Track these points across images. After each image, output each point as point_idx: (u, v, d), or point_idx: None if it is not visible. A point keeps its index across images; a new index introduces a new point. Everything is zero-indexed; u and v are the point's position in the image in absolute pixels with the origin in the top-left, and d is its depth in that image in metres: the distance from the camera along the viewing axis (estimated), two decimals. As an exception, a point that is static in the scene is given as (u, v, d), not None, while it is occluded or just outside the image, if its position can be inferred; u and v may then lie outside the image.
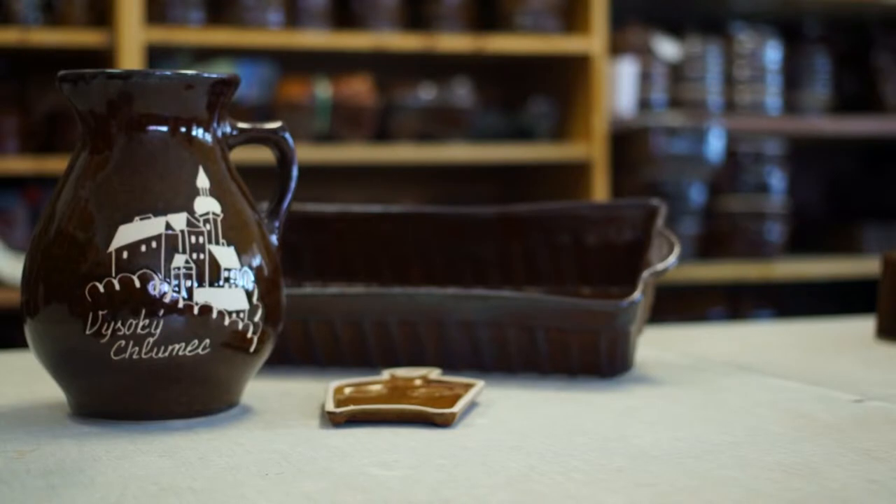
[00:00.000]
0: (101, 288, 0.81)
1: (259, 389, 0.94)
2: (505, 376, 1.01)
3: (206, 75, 0.85)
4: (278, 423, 0.84)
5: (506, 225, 1.12)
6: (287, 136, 0.91)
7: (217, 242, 0.83)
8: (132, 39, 2.53)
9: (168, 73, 0.84)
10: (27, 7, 2.57)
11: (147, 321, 0.80)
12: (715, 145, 3.00)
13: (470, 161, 2.91)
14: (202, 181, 0.84)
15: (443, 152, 2.84)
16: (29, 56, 2.69)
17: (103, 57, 2.62)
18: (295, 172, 0.91)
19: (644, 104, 3.08)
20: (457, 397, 0.86)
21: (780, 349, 1.21)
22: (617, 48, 3.05)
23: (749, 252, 3.10)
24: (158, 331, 0.81)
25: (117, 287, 0.81)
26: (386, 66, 2.98)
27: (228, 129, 0.88)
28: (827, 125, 3.29)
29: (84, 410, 0.85)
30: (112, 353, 0.81)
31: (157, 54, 2.69)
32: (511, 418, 0.86)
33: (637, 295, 0.97)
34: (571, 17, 2.96)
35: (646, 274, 0.98)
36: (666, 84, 3.12)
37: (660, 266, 0.99)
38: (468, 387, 0.90)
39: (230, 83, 0.87)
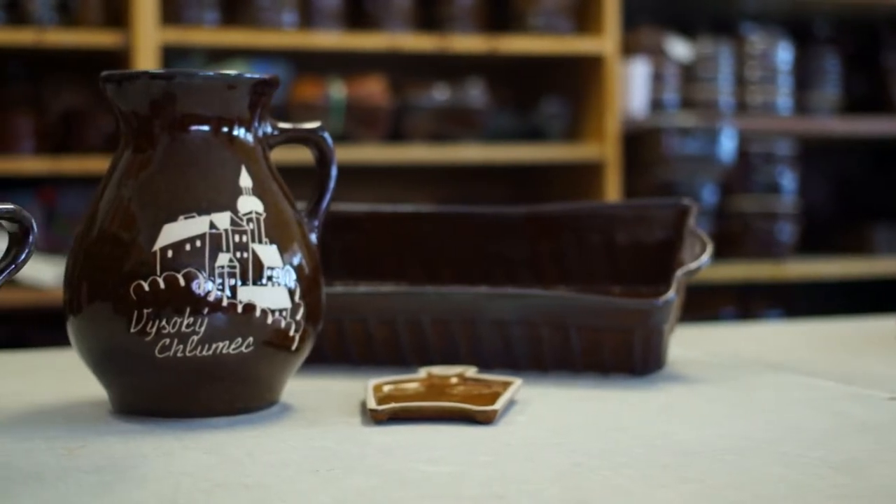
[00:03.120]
0: (145, 286, 0.81)
1: (296, 388, 0.95)
2: (538, 374, 1.01)
3: (248, 76, 0.86)
4: (320, 421, 0.85)
5: (536, 224, 1.13)
6: (326, 135, 0.92)
7: (260, 241, 0.83)
8: (148, 40, 2.54)
9: (211, 73, 0.85)
10: (42, 7, 2.58)
11: (191, 319, 0.81)
12: (727, 146, 3.01)
13: (483, 161, 2.92)
14: (245, 180, 0.85)
15: (456, 153, 2.85)
16: (44, 56, 2.70)
17: (118, 58, 2.63)
18: (334, 172, 0.92)
19: (656, 104, 3.09)
20: (496, 395, 0.87)
21: (807, 348, 1.21)
22: (629, 49, 3.06)
23: (760, 252, 3.11)
24: (203, 329, 0.81)
25: (162, 286, 0.81)
26: (400, 67, 2.99)
27: (269, 129, 0.89)
28: (837, 126, 3.30)
29: (126, 408, 0.86)
30: (156, 352, 0.81)
31: (170, 55, 2.69)
32: (550, 416, 0.86)
33: (671, 293, 0.98)
34: (584, 17, 2.97)
35: (679, 273, 0.99)
36: (678, 84, 3.12)
37: (693, 265, 1.00)
38: (506, 385, 0.90)
39: (271, 83, 0.87)
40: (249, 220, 0.84)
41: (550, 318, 1.00)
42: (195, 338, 0.81)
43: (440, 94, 2.89)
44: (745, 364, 1.09)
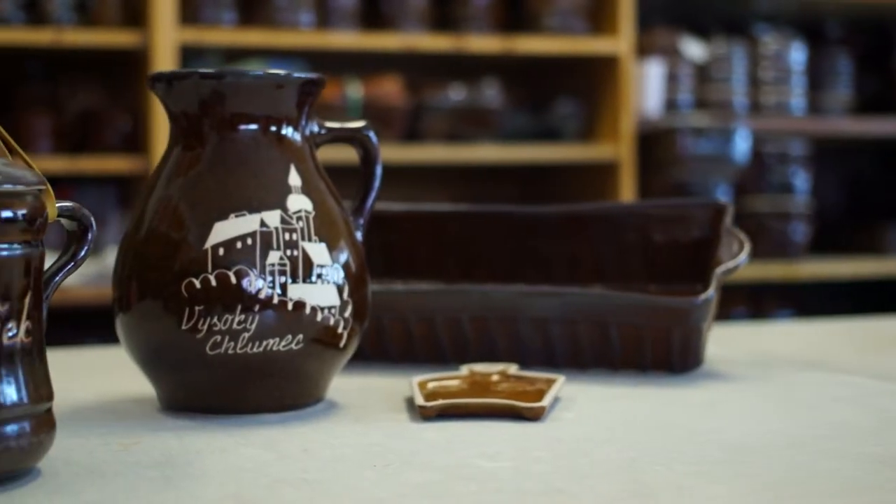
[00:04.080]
0: (197, 284, 0.82)
1: (339, 385, 0.95)
2: (577, 372, 1.02)
3: (296, 75, 0.87)
4: (368, 417, 0.85)
5: (573, 223, 1.13)
6: (371, 134, 0.92)
7: (309, 239, 0.84)
8: (166, 40, 2.55)
9: (260, 72, 0.86)
10: (61, 7, 2.59)
11: (243, 317, 0.82)
12: (741, 146, 3.02)
13: (498, 161, 2.93)
14: (294, 179, 0.86)
15: (472, 153, 2.86)
16: (61, 56, 2.71)
17: (137, 57, 2.64)
18: (379, 171, 0.93)
19: (670, 105, 3.09)
20: (541, 392, 0.88)
21: (839, 346, 1.22)
22: (643, 49, 3.06)
23: (774, 252, 3.12)
24: (254, 326, 0.82)
25: (213, 283, 0.82)
26: (416, 67, 3.00)
27: (316, 128, 0.90)
28: (849, 126, 3.30)
29: (175, 405, 0.87)
30: (207, 349, 0.82)
31: (186, 54, 2.70)
32: (596, 412, 0.87)
33: (711, 292, 0.98)
34: (598, 18, 2.97)
35: (719, 271, 1.00)
36: (692, 85, 3.13)
37: (731, 263, 1.01)
38: (549, 382, 0.91)
39: (319, 83, 0.88)
40: (299, 218, 0.84)
41: (590, 316, 1.00)
42: (246, 335, 0.82)
43: (456, 94, 2.90)
44: (779, 362, 1.10)
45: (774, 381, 1.00)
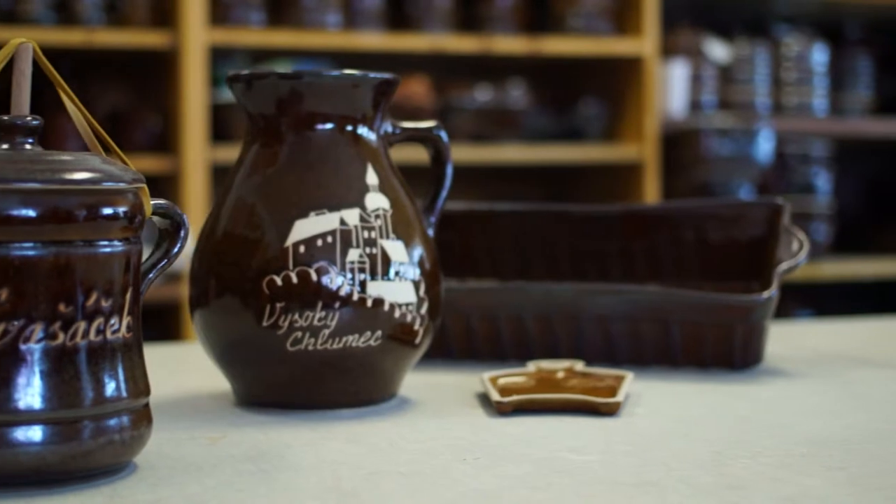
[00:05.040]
0: (278, 281, 0.83)
1: (407, 381, 0.97)
2: (638, 368, 1.03)
3: (372, 75, 0.88)
4: (444, 413, 0.86)
5: (631, 222, 1.15)
6: (443, 134, 0.94)
7: (387, 237, 0.85)
8: (195, 40, 2.56)
9: (337, 72, 0.87)
10: (90, 8, 2.60)
11: (323, 313, 0.83)
12: (764, 147, 3.03)
13: (523, 162, 2.94)
14: (371, 178, 0.87)
15: (497, 153, 2.87)
16: (91, 57, 2.72)
17: (166, 58, 2.65)
18: (450, 170, 0.94)
19: (694, 106, 3.10)
20: (611, 388, 0.89)
21: (885, 344, 1.23)
22: (667, 50, 3.07)
23: (796, 252, 3.12)
24: (334, 323, 0.83)
25: (295, 280, 0.83)
26: (441, 68, 3.01)
27: (390, 128, 0.91)
28: (870, 127, 3.31)
29: (252, 400, 0.88)
30: (288, 345, 0.83)
31: (214, 55, 2.71)
32: (667, 407, 0.88)
33: (774, 290, 0.99)
34: (623, 19, 2.98)
35: (780, 269, 1.01)
36: (716, 86, 3.14)
37: (792, 262, 1.02)
38: (618, 378, 0.92)
39: (394, 83, 0.89)
40: (377, 216, 0.86)
41: (653, 314, 1.02)
42: (326, 331, 0.83)
43: (482, 94, 2.91)
44: (832, 358, 1.11)
45: (833, 377, 1.01)
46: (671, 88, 3.00)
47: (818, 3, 3.36)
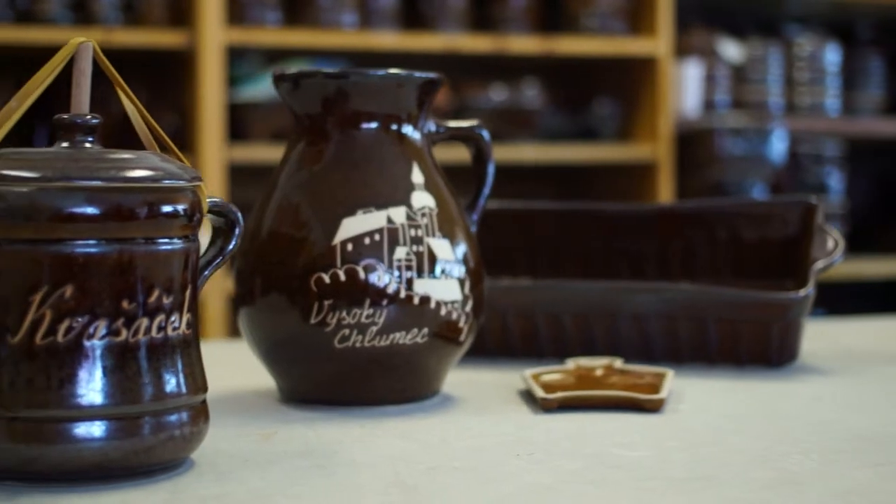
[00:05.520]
0: (326, 279, 0.84)
1: (448, 379, 0.97)
2: (674, 365, 1.04)
3: (417, 74, 0.89)
4: (489, 409, 0.87)
5: (666, 221, 1.15)
6: (485, 133, 0.94)
7: (433, 235, 0.86)
8: (212, 40, 2.57)
9: (382, 72, 0.88)
10: (108, 7, 2.61)
11: (371, 311, 0.84)
12: (777, 146, 3.03)
13: (537, 161, 2.94)
14: (416, 176, 0.88)
15: (512, 152, 2.87)
16: (107, 56, 2.72)
17: (183, 57, 2.66)
18: (491, 169, 0.95)
19: (708, 105, 3.11)
20: (652, 385, 0.90)
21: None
22: (681, 50, 3.08)
23: (808, 252, 3.13)
24: (381, 320, 0.84)
25: (343, 278, 0.84)
26: (456, 68, 3.01)
27: (433, 127, 0.92)
28: (882, 127, 3.32)
29: (297, 396, 0.89)
30: (336, 342, 0.84)
31: (229, 54, 2.72)
32: (709, 404, 0.89)
33: (810, 288, 1.00)
34: (637, 19, 2.99)
35: (816, 267, 1.02)
36: (729, 86, 3.15)
37: (827, 260, 1.03)
38: (657, 375, 0.93)
39: (438, 83, 0.90)
40: (423, 214, 0.86)
41: (690, 311, 1.02)
42: (374, 328, 0.84)
43: (497, 94, 2.92)
44: (867, 356, 1.12)
45: (869, 374, 1.02)
46: (685, 88, 3.00)
47: (829, 3, 3.37)
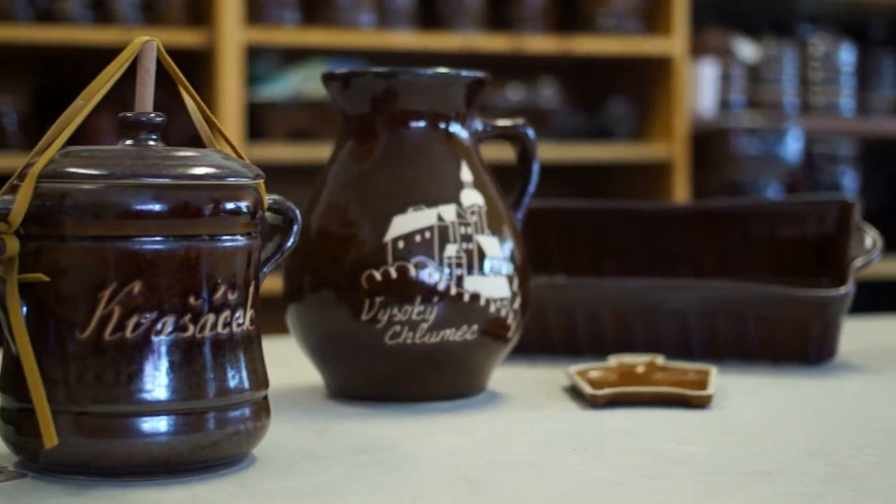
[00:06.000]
0: (377, 276, 0.85)
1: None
2: (713, 362, 1.04)
3: (464, 73, 0.89)
4: (537, 405, 0.88)
5: (701, 219, 1.16)
6: (530, 131, 0.95)
7: (483, 233, 0.87)
8: (231, 39, 2.58)
9: (430, 71, 0.89)
10: (127, 7, 2.62)
11: (422, 308, 0.85)
12: (792, 146, 3.04)
13: (554, 161, 2.95)
14: (465, 174, 0.88)
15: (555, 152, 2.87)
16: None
17: (202, 57, 2.67)
18: (537, 167, 0.96)
19: (723, 105, 3.12)
20: (697, 381, 0.90)
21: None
22: (696, 50, 3.09)
23: (823, 251, 3.13)
24: (432, 317, 0.85)
25: (394, 275, 0.85)
26: (473, 67, 3.02)
27: (480, 126, 0.93)
28: (894, 126, 3.33)
29: (345, 393, 0.89)
30: (387, 338, 0.85)
31: (246, 54, 2.73)
32: (755, 400, 0.90)
33: (850, 285, 1.01)
34: (653, 18, 3.00)
35: (855, 265, 1.02)
36: (744, 85, 3.15)
37: (866, 258, 1.03)
38: (700, 372, 0.94)
39: (484, 82, 0.91)
40: (472, 212, 0.87)
41: (730, 309, 1.03)
42: (424, 325, 0.85)
43: (514, 94, 2.93)
44: (898, 354, 1.13)
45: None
46: (700, 88, 3.01)
47: (843, 3, 3.37)
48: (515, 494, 0.64)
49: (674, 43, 2.94)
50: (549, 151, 2.90)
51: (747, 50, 3.16)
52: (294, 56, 2.85)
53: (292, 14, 2.70)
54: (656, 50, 2.95)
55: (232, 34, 2.58)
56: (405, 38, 2.77)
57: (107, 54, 2.73)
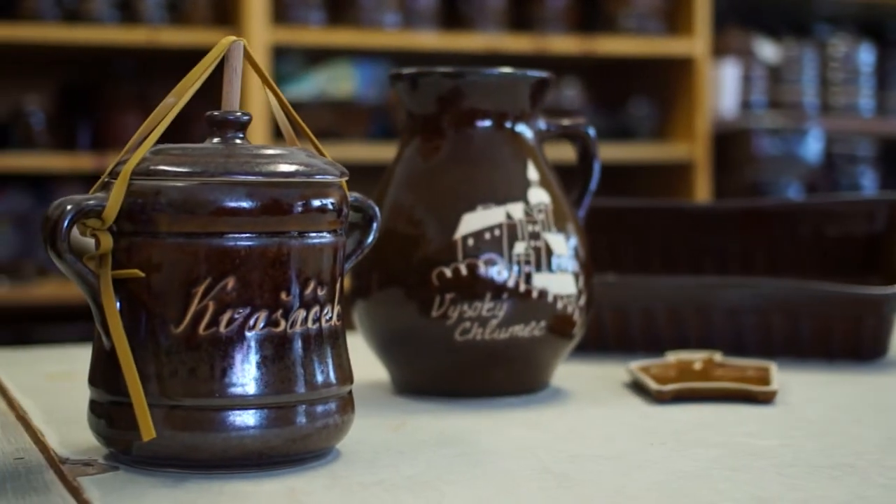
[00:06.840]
0: (447, 273, 0.86)
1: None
2: (766, 359, 1.05)
3: (530, 73, 0.91)
4: (603, 401, 0.89)
5: (748, 218, 1.17)
6: (591, 131, 0.96)
7: (550, 231, 0.88)
8: (257, 39, 2.59)
9: (496, 71, 0.90)
10: (153, 7, 2.63)
11: (492, 304, 0.86)
12: (813, 146, 3.05)
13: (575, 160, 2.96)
14: (532, 173, 0.90)
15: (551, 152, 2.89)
16: (151, 55, 2.75)
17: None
18: (597, 166, 0.97)
19: (744, 105, 3.13)
20: (759, 378, 0.92)
21: None
22: (717, 50, 3.10)
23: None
24: (501, 313, 0.86)
25: (464, 272, 0.86)
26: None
27: (543, 125, 0.94)
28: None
29: (414, 388, 0.91)
30: (457, 335, 0.86)
31: (271, 53, 2.74)
32: (816, 396, 0.91)
33: (904, 284, 1.02)
34: (674, 19, 3.01)
35: (909, 264, 1.04)
36: (765, 86, 3.17)
37: (919, 256, 1.05)
38: (759, 369, 0.95)
39: (549, 82, 0.92)
40: (540, 210, 0.88)
41: (783, 307, 1.04)
42: (494, 322, 0.86)
43: (537, 94, 2.94)
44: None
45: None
46: (722, 88, 3.02)
47: (862, 4, 3.38)
48: (603, 486, 0.65)
49: (695, 44, 2.95)
50: (571, 151, 2.91)
51: (768, 51, 3.17)
52: (319, 56, 2.86)
53: (317, 14, 2.71)
54: (678, 51, 2.96)
55: (257, 34, 2.59)
56: (429, 39, 2.78)
57: (131, 54, 2.75)
